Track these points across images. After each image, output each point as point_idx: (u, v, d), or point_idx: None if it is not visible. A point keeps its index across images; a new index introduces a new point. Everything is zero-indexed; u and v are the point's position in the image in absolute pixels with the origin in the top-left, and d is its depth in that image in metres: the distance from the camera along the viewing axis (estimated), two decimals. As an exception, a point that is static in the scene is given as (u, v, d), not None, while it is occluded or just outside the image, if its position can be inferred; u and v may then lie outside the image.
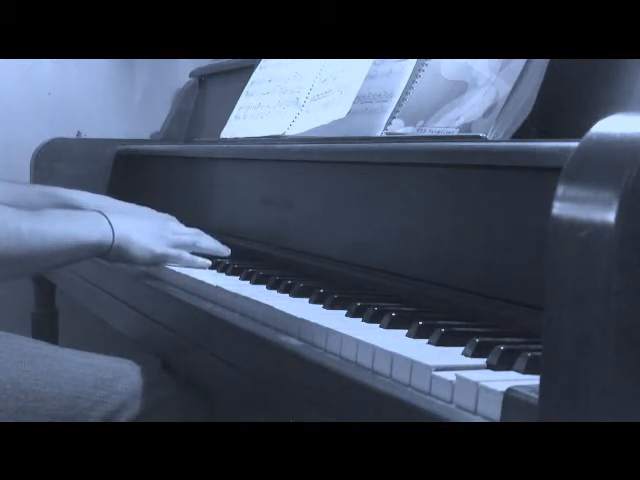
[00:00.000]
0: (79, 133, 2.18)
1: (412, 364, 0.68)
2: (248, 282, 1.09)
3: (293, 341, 0.83)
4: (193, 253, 1.22)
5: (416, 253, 0.98)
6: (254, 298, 0.94)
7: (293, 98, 1.45)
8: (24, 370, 1.07)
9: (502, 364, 0.66)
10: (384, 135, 1.15)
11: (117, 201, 1.35)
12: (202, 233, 1.26)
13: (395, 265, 1.01)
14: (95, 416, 1.06)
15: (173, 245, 1.19)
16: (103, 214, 1.12)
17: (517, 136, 0.98)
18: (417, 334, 0.77)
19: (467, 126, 1.00)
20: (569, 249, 0.52)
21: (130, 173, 1.94)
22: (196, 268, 1.19)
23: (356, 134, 1.21)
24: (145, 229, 1.17)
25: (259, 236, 1.33)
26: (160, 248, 1.17)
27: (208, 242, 1.25)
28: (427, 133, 1.06)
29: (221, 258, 1.24)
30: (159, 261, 1.18)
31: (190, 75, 2.11)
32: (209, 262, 1.22)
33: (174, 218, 1.33)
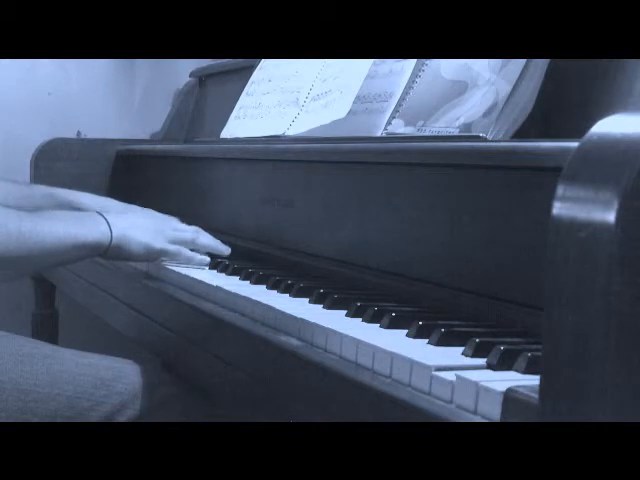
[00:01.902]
0: (79, 133, 2.18)
1: (412, 364, 0.68)
2: (248, 282, 1.09)
3: (293, 341, 0.83)
4: (193, 251, 1.22)
5: (416, 253, 0.98)
6: (254, 298, 0.94)
7: (293, 98, 1.45)
8: (24, 370, 1.07)
9: (502, 364, 0.66)
10: (384, 135, 1.15)
11: (121, 203, 1.36)
12: (201, 230, 1.26)
13: (395, 265, 1.01)
14: (95, 416, 1.06)
15: (172, 241, 1.19)
16: (100, 214, 1.13)
17: (517, 136, 0.98)
18: (417, 334, 0.77)
19: (467, 126, 1.00)
20: (569, 249, 0.52)
21: (130, 173, 1.94)
22: (195, 265, 1.20)
23: (356, 134, 1.21)
24: (143, 226, 1.18)
25: (259, 236, 1.33)
26: (159, 244, 1.18)
27: (207, 239, 1.25)
28: (427, 133, 1.06)
29: (221, 257, 1.24)
30: (158, 257, 1.19)
31: (190, 75, 2.11)
32: (208, 259, 1.22)
33: (176, 219, 1.34)
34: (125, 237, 1.13)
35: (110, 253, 1.13)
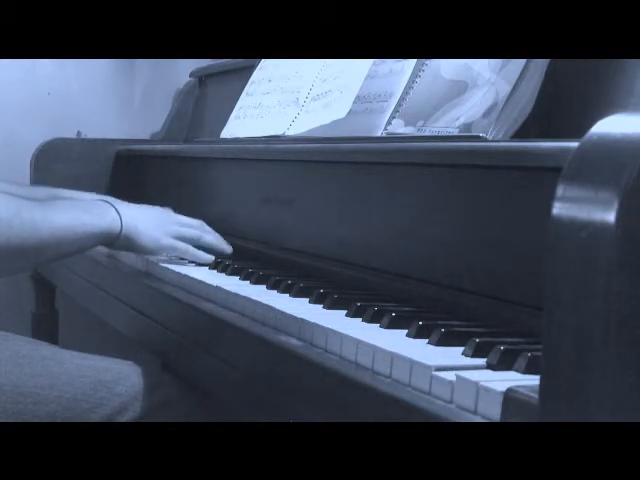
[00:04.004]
0: (79, 133, 2.18)
1: (412, 364, 0.68)
2: (248, 282, 1.09)
3: (293, 341, 0.83)
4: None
5: (416, 253, 0.98)
6: (254, 298, 0.94)
7: (293, 98, 1.45)
8: (23, 372, 1.07)
9: (502, 364, 0.66)
10: (384, 135, 1.15)
11: (124, 202, 1.36)
12: (205, 225, 1.29)
13: (395, 265, 1.01)
14: (95, 418, 1.06)
15: (178, 237, 1.21)
16: (110, 203, 1.14)
17: (517, 136, 0.98)
18: (417, 334, 0.77)
19: (467, 126, 1.00)
20: (569, 249, 0.52)
21: (130, 173, 1.94)
22: (200, 262, 1.22)
23: (356, 134, 1.21)
24: (152, 219, 1.19)
25: (259, 236, 1.33)
26: (166, 239, 1.20)
27: (211, 237, 1.27)
28: (427, 133, 1.06)
29: (222, 256, 1.25)
30: (164, 251, 1.21)
31: (190, 75, 2.11)
32: (212, 257, 1.24)
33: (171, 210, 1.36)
34: (135, 227, 1.14)
35: (119, 243, 1.14)
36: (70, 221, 1.07)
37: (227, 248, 1.28)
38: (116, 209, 1.13)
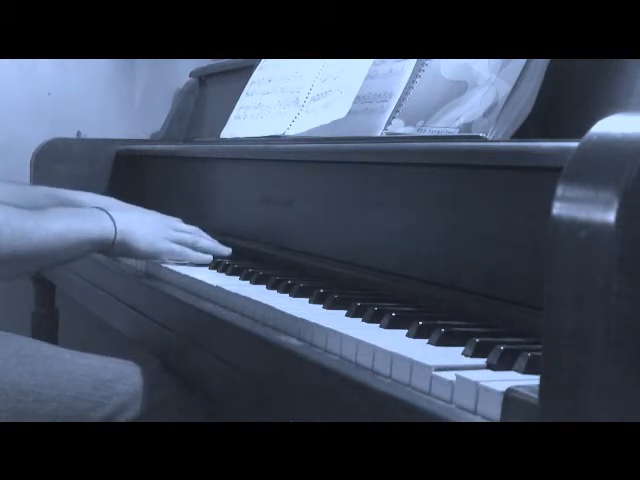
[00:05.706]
0: (79, 133, 2.18)
1: (412, 364, 0.68)
2: (248, 282, 1.09)
3: (293, 341, 0.83)
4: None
5: (416, 253, 0.98)
6: (254, 298, 0.94)
7: (293, 98, 1.45)
8: (24, 371, 1.07)
9: (502, 364, 0.66)
10: (384, 135, 1.15)
11: (122, 202, 1.36)
12: (201, 232, 1.27)
13: (395, 265, 1.01)
14: (96, 417, 1.06)
15: (175, 241, 1.21)
16: (104, 209, 1.13)
17: (517, 136, 0.98)
18: (417, 334, 0.77)
19: (467, 126, 1.00)
20: (569, 249, 0.52)
21: (130, 173, 1.94)
22: (198, 263, 1.22)
23: (356, 134, 1.21)
24: (147, 224, 1.19)
25: (259, 236, 1.33)
26: (163, 243, 1.19)
27: (207, 242, 1.26)
28: (427, 133, 1.06)
29: (221, 257, 1.25)
30: (161, 255, 1.20)
31: (190, 75, 2.11)
32: (210, 257, 1.24)
33: (179, 220, 1.34)
34: (130, 233, 1.14)
35: (115, 249, 1.13)
36: (63, 229, 1.06)
37: (225, 251, 1.27)
38: (110, 216, 1.12)
